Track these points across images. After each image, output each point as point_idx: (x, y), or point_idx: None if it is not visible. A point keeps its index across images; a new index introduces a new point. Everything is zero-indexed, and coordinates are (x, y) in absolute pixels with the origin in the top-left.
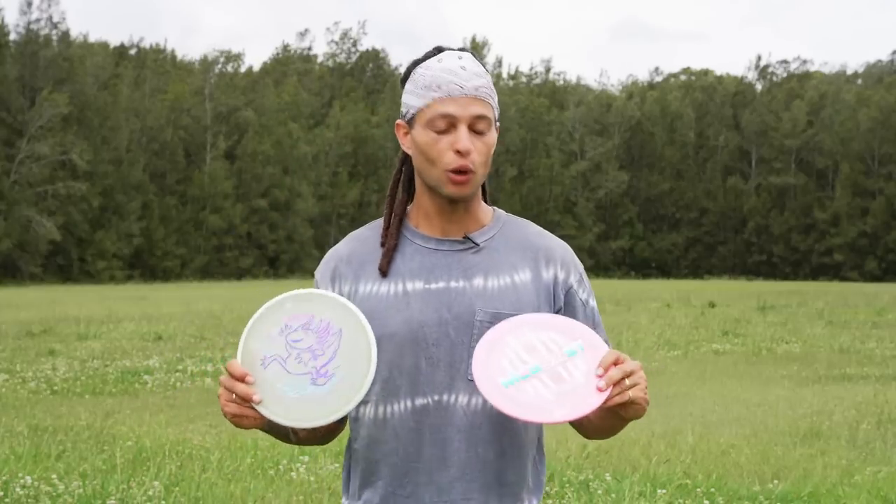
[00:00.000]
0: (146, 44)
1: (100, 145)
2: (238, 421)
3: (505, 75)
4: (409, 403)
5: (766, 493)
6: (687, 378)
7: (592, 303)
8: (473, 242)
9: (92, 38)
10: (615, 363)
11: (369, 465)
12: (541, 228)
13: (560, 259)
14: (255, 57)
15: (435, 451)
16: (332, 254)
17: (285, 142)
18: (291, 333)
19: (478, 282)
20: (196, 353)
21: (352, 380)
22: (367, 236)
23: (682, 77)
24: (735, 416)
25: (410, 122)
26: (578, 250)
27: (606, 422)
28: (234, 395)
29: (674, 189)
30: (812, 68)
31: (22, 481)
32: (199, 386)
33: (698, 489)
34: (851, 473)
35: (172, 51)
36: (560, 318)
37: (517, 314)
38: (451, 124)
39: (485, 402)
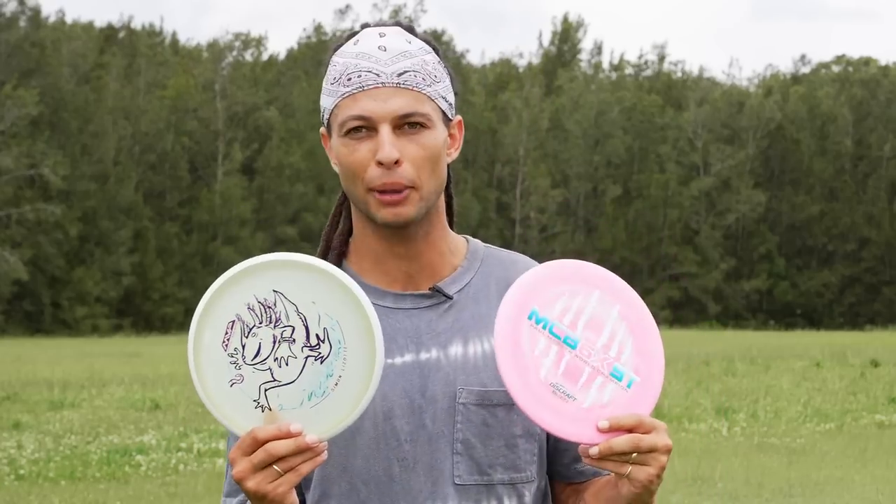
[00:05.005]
0: (139, 24)
1: (79, 156)
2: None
3: (606, 65)
4: None
5: None
6: (842, 458)
7: None
8: (444, 295)
9: (69, 18)
10: (633, 430)
11: None
12: (532, 262)
13: None
14: (282, 42)
15: None
16: None
17: (320, 152)
18: (243, 352)
19: (455, 350)
20: (204, 426)
21: (346, 310)
22: None
23: (837, 68)
24: None
25: (329, 129)
26: (702, 292)
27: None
28: (274, 468)
29: (825, 213)
30: None
31: None
32: (209, 469)
33: None
34: None
35: (174, 34)
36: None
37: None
38: (371, 126)
39: None
